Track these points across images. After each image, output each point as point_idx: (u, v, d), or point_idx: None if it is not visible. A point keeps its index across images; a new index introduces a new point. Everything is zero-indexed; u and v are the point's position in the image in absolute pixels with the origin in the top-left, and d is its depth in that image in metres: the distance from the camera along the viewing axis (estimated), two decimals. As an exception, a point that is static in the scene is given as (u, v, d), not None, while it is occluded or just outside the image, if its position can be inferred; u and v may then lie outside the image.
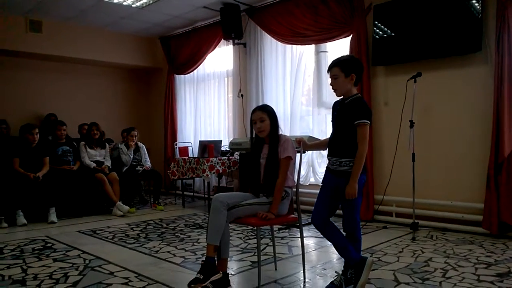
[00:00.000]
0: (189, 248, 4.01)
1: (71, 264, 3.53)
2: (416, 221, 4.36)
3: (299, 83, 5.94)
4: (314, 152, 5.67)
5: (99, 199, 6.17)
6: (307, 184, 5.77)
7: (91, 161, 6.11)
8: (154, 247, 4.07)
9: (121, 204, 5.84)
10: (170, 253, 3.82)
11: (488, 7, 4.27)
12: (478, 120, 4.39)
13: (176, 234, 4.64)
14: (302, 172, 5.83)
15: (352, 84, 2.70)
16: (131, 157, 6.47)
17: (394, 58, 4.91)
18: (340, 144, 2.71)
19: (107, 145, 6.48)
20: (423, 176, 4.62)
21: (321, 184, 2.88)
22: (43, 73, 7.52)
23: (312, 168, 5.76)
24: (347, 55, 2.87)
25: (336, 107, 2.82)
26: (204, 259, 2.80)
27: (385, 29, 4.97)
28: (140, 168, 6.46)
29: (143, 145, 6.80)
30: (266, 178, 2.95)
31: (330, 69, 2.74)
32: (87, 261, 3.62)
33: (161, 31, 7.89)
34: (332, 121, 2.85)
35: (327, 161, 2.82)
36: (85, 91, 8.01)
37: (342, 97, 2.77)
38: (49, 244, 4.24)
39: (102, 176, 5.91)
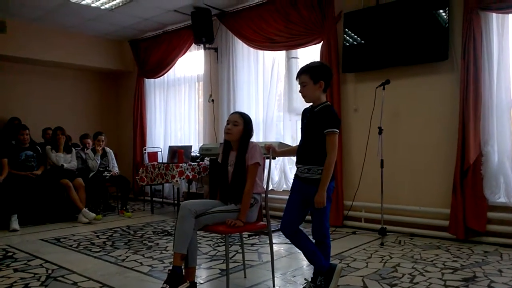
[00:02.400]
0: (157, 256, 3.92)
1: (32, 274, 3.39)
2: (384, 226, 4.40)
3: (273, 89, 5.93)
4: (286, 158, 5.67)
5: (64, 206, 5.98)
6: (281, 190, 5.76)
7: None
8: (120, 255, 3.96)
9: (87, 211, 5.67)
10: (137, 262, 3.73)
11: (455, 18, 4.37)
12: (445, 127, 4.47)
13: (143, 241, 4.54)
14: (275, 179, 5.83)
15: (321, 91, 2.70)
16: (98, 162, 6.32)
17: (364, 65, 4.96)
18: (309, 152, 2.70)
19: (73, 149, 6.30)
20: (392, 182, 4.68)
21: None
22: (7, 75, 7.26)
23: (284, 174, 5.76)
24: (316, 62, 2.87)
25: (306, 114, 2.81)
26: (171, 268, 2.74)
27: (355, 36, 5.03)
28: (108, 174, 6.31)
29: (111, 150, 6.65)
30: (234, 185, 2.91)
31: (298, 76, 2.73)
32: (49, 271, 3.48)
33: (130, 34, 7.76)
34: (301, 128, 2.84)
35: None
36: (51, 95, 7.77)
37: (311, 104, 2.76)
38: (9, 254, 4.07)
39: (67, 182, 5.73)
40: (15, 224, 5.12)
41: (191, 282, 2.77)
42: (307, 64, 2.76)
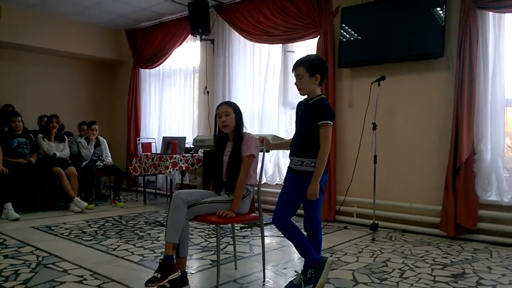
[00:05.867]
0: (148, 246, 3.92)
1: (23, 261, 3.38)
2: (376, 222, 4.41)
3: (268, 82, 5.92)
4: (280, 151, 5.67)
5: (56, 194, 5.96)
6: (274, 184, 5.77)
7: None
8: (111, 244, 3.95)
9: (79, 200, 5.65)
10: (128, 251, 3.72)
11: (452, 16, 4.38)
12: (439, 124, 4.49)
13: (135, 231, 4.53)
14: (269, 172, 5.83)
15: (317, 84, 2.70)
16: (91, 151, 6.29)
17: (360, 60, 4.97)
18: (302, 145, 2.70)
19: (66, 138, 6.26)
20: (384, 178, 4.69)
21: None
22: (1, 62, 7.19)
23: (278, 168, 5.77)
24: (312, 55, 2.86)
25: (300, 107, 2.80)
26: (162, 257, 2.73)
27: (352, 32, 5.02)
28: (101, 163, 6.29)
29: (104, 140, 6.63)
30: (228, 175, 2.91)
31: (295, 68, 2.73)
32: (40, 258, 3.47)
33: (127, 23, 7.70)
34: (296, 121, 2.83)
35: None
36: (46, 82, 7.70)
37: (306, 97, 2.76)
38: (0, 240, 4.05)
39: (59, 170, 5.70)
40: (13, 213, 5.05)
41: (182, 272, 2.77)
42: (303, 57, 2.75)
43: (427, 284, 2.94)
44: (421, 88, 4.62)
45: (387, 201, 4.75)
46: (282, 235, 2.84)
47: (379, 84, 4.42)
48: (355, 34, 5.01)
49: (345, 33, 5.05)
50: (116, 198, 6.25)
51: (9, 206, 5.11)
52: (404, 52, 4.60)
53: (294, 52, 5.76)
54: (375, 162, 4.41)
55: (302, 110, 2.76)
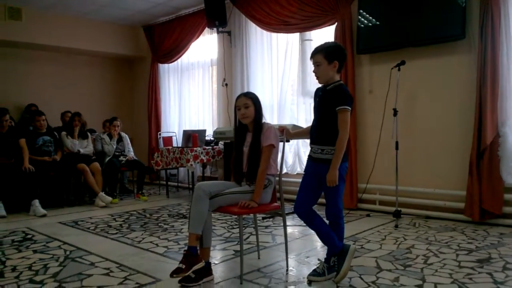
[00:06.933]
0: (172, 238, 3.98)
1: (51, 255, 3.47)
2: (399, 209, 4.38)
3: (286, 72, 5.90)
4: (300, 141, 5.66)
5: (81, 190, 6.08)
6: (295, 173, 5.77)
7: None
8: (136, 237, 4.03)
9: (104, 194, 5.77)
10: (153, 243, 3.79)
11: (472, -4, 4.28)
12: (461, 108, 4.41)
13: (159, 224, 4.60)
14: (289, 162, 5.83)
15: (335, 72, 2.67)
16: (114, 147, 6.39)
17: (379, 46, 4.89)
18: (321, 132, 2.69)
19: (89, 135, 6.38)
20: (406, 164, 4.64)
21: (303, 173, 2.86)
22: (23, 62, 7.36)
23: (298, 157, 5.76)
24: (330, 42, 2.83)
25: (318, 93, 2.79)
26: (186, 248, 2.77)
27: (370, 17, 4.95)
28: (124, 158, 6.39)
29: (126, 135, 6.73)
30: (249, 166, 2.92)
31: (313, 56, 2.71)
32: (67, 252, 3.56)
33: (144, 19, 7.76)
34: (314, 108, 2.82)
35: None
36: (67, 81, 7.86)
37: (324, 84, 2.74)
38: (29, 236, 4.17)
39: (84, 166, 5.82)
40: (40, 209, 5.16)
41: (206, 262, 2.81)
42: (321, 44, 2.73)
43: (452, 270, 2.91)
44: (442, 72, 4.54)
45: (410, 187, 4.70)
46: (305, 224, 2.84)
47: (399, 69, 4.36)
48: (373, 20, 4.93)
49: (363, 19, 4.98)
50: (140, 192, 6.34)
51: (36, 202, 5.23)
52: (424, 35, 4.51)
53: (311, 40, 5.72)
54: (396, 148, 4.37)
55: (320, 96, 2.75)
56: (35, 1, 6.56)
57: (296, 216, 2.85)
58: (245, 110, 2.93)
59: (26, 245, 3.81)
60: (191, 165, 5.76)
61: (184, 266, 2.66)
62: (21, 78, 7.31)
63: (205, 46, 7.26)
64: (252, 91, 5.69)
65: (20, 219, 4.99)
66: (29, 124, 6.20)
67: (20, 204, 5.36)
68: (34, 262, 3.29)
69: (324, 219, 2.80)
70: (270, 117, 5.92)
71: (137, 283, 2.81)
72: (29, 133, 5.82)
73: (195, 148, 5.86)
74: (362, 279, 2.78)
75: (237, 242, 3.75)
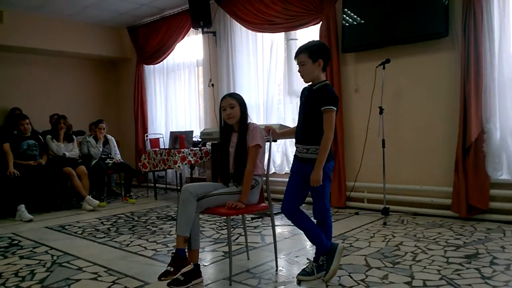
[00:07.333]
0: (161, 240, 3.95)
1: (38, 261, 3.42)
2: (387, 206, 4.40)
3: (272, 72, 5.90)
4: (288, 140, 5.66)
5: (68, 194, 6.01)
6: (283, 173, 5.77)
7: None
8: (124, 240, 3.99)
9: (91, 198, 5.71)
10: (141, 246, 3.75)
11: (454, -7, 4.32)
12: (446, 105, 4.44)
13: (147, 227, 4.56)
14: (277, 161, 5.83)
15: (320, 70, 2.67)
16: (100, 150, 6.32)
17: (363, 45, 4.92)
18: (307, 132, 2.69)
19: (75, 138, 6.31)
20: (394, 162, 4.67)
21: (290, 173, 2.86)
22: (6, 65, 7.24)
23: (286, 157, 5.76)
24: (314, 41, 2.83)
25: (304, 93, 2.79)
26: (174, 251, 2.75)
27: (354, 16, 4.97)
28: (110, 161, 6.33)
29: (112, 138, 6.66)
30: (235, 167, 2.90)
31: (297, 55, 2.71)
32: (54, 257, 3.51)
33: (128, 20, 7.70)
34: (299, 107, 2.82)
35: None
36: (51, 83, 7.75)
37: (310, 83, 2.74)
38: (15, 241, 4.11)
39: (70, 170, 5.74)
40: (27, 214, 5.09)
41: (194, 264, 2.79)
42: (305, 44, 2.73)
43: (440, 266, 2.93)
44: (426, 69, 4.57)
45: (397, 185, 4.73)
46: (293, 224, 2.84)
47: (384, 68, 4.39)
48: (358, 18, 4.95)
49: (347, 18, 5.00)
50: (127, 195, 6.29)
51: (22, 207, 5.16)
52: (408, 33, 4.54)
53: (297, 40, 5.73)
54: (383, 146, 4.39)
55: (306, 96, 2.75)
56: (17, 3, 6.46)
57: (283, 215, 2.85)
58: (231, 110, 2.92)
59: (12, 251, 3.75)
60: (179, 166, 5.73)
61: (172, 269, 2.65)
62: (5, 81, 7.18)
63: (191, 46, 7.22)
64: (239, 91, 5.74)
65: (6, 224, 4.92)
66: (13, 128, 6.11)
67: (6, 210, 5.29)
68: (21, 268, 3.24)
69: (312, 218, 2.80)
70: (257, 117, 5.91)
71: (125, 287, 2.78)
72: (13, 137, 5.73)
73: (182, 150, 5.84)
74: (351, 277, 2.79)
75: (226, 243, 3.73)
